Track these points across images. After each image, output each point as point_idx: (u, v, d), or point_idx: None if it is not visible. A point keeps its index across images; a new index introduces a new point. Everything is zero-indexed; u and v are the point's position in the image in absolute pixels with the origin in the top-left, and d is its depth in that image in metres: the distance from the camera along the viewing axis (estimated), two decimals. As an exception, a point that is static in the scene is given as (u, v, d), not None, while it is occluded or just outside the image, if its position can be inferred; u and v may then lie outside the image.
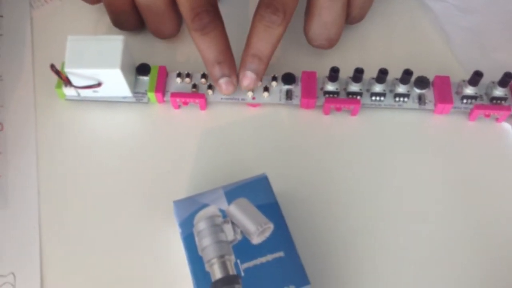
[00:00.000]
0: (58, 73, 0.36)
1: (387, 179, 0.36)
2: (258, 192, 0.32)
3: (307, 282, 0.29)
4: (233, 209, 0.31)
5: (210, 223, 0.31)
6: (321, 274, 0.32)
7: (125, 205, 0.35)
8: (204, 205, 0.31)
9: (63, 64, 0.37)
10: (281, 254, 0.30)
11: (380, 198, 0.35)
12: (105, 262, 0.33)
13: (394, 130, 0.37)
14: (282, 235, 0.30)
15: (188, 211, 0.31)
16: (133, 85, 0.38)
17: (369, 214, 0.35)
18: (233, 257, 0.30)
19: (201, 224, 0.31)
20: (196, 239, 0.30)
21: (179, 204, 0.32)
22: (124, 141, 0.38)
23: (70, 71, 0.35)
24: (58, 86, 0.38)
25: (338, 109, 0.38)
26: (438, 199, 0.35)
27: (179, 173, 0.36)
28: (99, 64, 0.35)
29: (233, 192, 0.32)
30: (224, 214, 0.31)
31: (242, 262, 0.29)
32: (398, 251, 0.33)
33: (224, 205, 0.31)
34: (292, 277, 0.29)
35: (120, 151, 0.37)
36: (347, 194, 0.35)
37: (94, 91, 0.37)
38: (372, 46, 0.41)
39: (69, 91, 0.38)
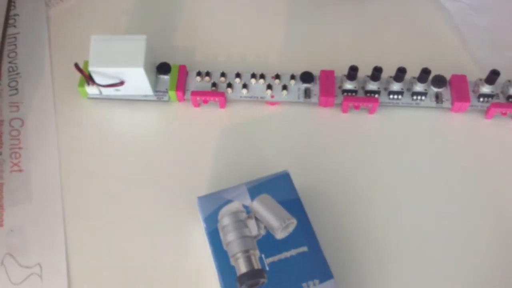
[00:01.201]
0: (81, 71, 0.36)
1: (405, 176, 0.36)
2: (280, 188, 0.32)
3: (330, 276, 0.29)
4: (257, 205, 0.32)
5: (234, 218, 0.31)
6: (344, 269, 0.33)
7: (147, 201, 0.36)
8: (228, 201, 0.32)
9: (85, 63, 0.37)
10: (304, 249, 0.30)
11: (399, 194, 0.36)
12: (129, 256, 0.34)
13: (411, 128, 0.38)
14: (305, 230, 0.31)
15: (212, 207, 0.32)
16: (154, 84, 0.39)
17: (388, 209, 0.35)
18: (257, 252, 0.30)
19: (225, 220, 0.31)
20: (221, 234, 0.31)
21: (203, 200, 0.32)
22: (145, 138, 0.38)
23: (94, 70, 0.36)
24: (81, 85, 0.38)
25: (356, 107, 0.38)
26: (455, 196, 0.36)
27: (200, 169, 0.37)
28: (123, 63, 0.36)
29: (256, 188, 0.32)
30: (248, 210, 0.32)
31: (266, 257, 0.30)
32: (418, 245, 0.34)
33: (247, 201, 0.32)
34: (316, 271, 0.29)
35: (141, 148, 0.38)
36: (366, 190, 0.36)
37: (116, 90, 0.38)
38: (390, 45, 0.42)
39: (91, 90, 0.38)
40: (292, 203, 0.32)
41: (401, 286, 0.33)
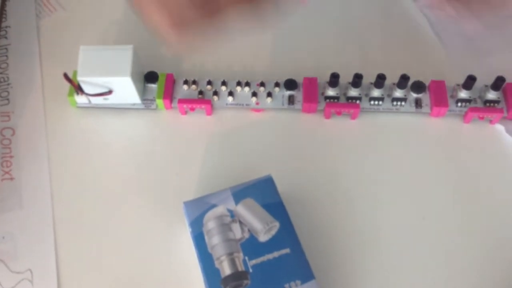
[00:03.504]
0: (70, 81, 0.37)
1: (386, 179, 0.37)
2: (264, 192, 0.33)
3: (312, 277, 0.30)
4: (241, 209, 0.33)
5: (219, 222, 0.32)
6: (326, 270, 0.34)
7: (136, 206, 0.37)
8: (213, 206, 0.33)
9: (75, 73, 0.38)
10: (287, 250, 0.31)
11: (380, 197, 0.37)
12: (117, 259, 0.35)
13: (392, 133, 0.39)
14: (287, 233, 0.32)
15: (197, 211, 0.33)
16: (142, 92, 0.40)
17: (370, 212, 0.36)
18: (241, 254, 0.31)
19: (210, 224, 0.32)
20: (206, 237, 0.32)
21: (189, 204, 0.33)
22: (134, 146, 0.39)
23: (83, 80, 0.37)
24: (70, 94, 0.39)
25: (339, 113, 0.39)
26: (436, 198, 0.37)
27: (188, 175, 0.38)
28: (110, 73, 0.37)
29: (240, 193, 0.33)
30: (232, 214, 0.32)
31: (250, 259, 0.31)
32: (400, 248, 0.35)
33: (231, 205, 0.33)
34: (298, 273, 0.30)
35: (129, 155, 0.39)
36: (348, 193, 0.37)
37: (105, 99, 0.39)
38: (370, 53, 0.43)
39: (80, 99, 0.39)
40: (275, 206, 0.33)
41: (386, 286, 0.34)
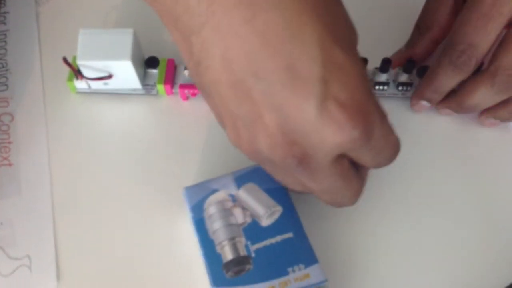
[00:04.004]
0: (69, 65, 0.37)
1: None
2: (266, 177, 0.32)
3: (315, 260, 0.30)
4: (243, 194, 0.32)
5: (220, 207, 0.32)
6: (329, 254, 0.33)
7: (136, 193, 0.36)
8: (214, 190, 0.32)
9: (74, 58, 0.38)
10: (290, 235, 0.30)
11: (382, 180, 0.36)
12: (118, 246, 0.34)
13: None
14: (290, 217, 0.31)
15: (198, 196, 0.32)
16: (143, 78, 0.39)
17: (373, 198, 0.35)
18: (243, 239, 0.31)
19: (211, 208, 0.32)
20: (207, 222, 0.31)
21: (190, 190, 0.33)
22: (134, 131, 0.39)
23: (82, 63, 0.36)
24: (70, 79, 0.39)
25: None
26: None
27: (189, 161, 0.37)
28: (110, 56, 0.36)
29: (242, 178, 0.33)
30: (234, 199, 0.32)
31: (252, 244, 0.30)
32: (403, 231, 0.35)
33: (233, 190, 0.32)
34: (301, 257, 0.30)
35: (130, 141, 0.38)
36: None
37: (105, 84, 0.38)
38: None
39: (80, 84, 0.39)
40: (277, 191, 0.32)
41: (387, 270, 0.33)
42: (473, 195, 0.36)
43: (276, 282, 0.29)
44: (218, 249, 0.30)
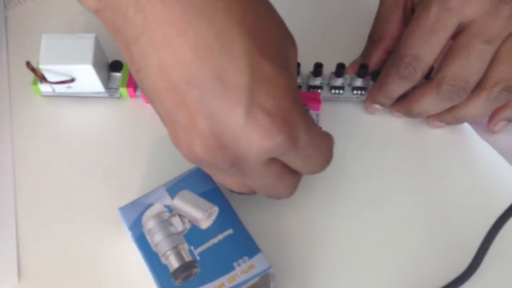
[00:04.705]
0: (33, 70, 0.37)
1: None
2: (198, 181, 0.33)
3: (258, 250, 0.31)
4: (178, 202, 0.33)
5: (158, 219, 0.32)
6: (272, 243, 0.34)
7: (98, 194, 0.37)
8: (149, 205, 0.33)
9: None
10: (230, 231, 0.31)
11: (332, 176, 0.37)
12: (77, 247, 0.35)
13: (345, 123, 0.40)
14: (228, 215, 0.32)
15: (135, 214, 0.32)
16: (106, 81, 0.40)
17: (319, 193, 0.37)
18: (186, 245, 0.31)
19: (150, 223, 0.32)
20: (148, 237, 0.32)
21: (125, 209, 0.33)
22: (97, 134, 0.39)
23: (45, 68, 0.37)
24: (35, 83, 0.39)
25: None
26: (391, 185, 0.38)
27: (152, 163, 0.38)
28: (72, 61, 0.37)
29: (174, 187, 0.33)
30: (170, 209, 0.32)
31: (195, 248, 0.31)
32: (347, 218, 0.36)
33: (168, 201, 0.33)
34: (244, 250, 0.31)
35: (93, 144, 0.39)
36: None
37: (68, 87, 0.39)
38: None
39: (44, 88, 0.39)
40: (211, 192, 0.33)
41: (326, 257, 0.35)
42: (421, 192, 0.37)
43: (224, 279, 0.30)
44: (163, 260, 0.31)
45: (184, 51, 0.25)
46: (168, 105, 0.27)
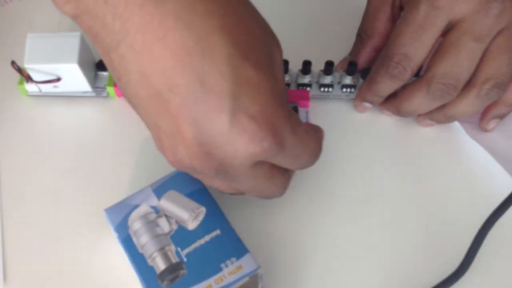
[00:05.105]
0: (19, 69, 0.37)
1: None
2: (185, 182, 0.33)
3: (245, 251, 0.30)
4: (164, 203, 0.32)
5: (144, 221, 0.31)
6: (259, 243, 0.34)
7: (85, 194, 0.36)
8: (136, 206, 0.32)
9: (25, 62, 0.38)
10: (217, 232, 0.31)
11: (322, 174, 0.37)
12: (64, 249, 0.35)
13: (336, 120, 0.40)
14: (215, 215, 0.31)
15: (121, 215, 0.32)
16: (93, 80, 0.39)
17: (310, 191, 0.36)
18: (173, 247, 0.30)
19: (136, 224, 0.31)
20: (134, 238, 0.31)
21: (111, 210, 0.32)
22: (85, 133, 0.39)
23: (30, 67, 0.36)
24: (21, 83, 0.39)
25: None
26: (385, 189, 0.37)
27: (140, 162, 0.37)
28: (57, 60, 0.36)
29: (161, 188, 0.33)
30: (157, 210, 0.32)
31: (182, 249, 0.30)
32: (336, 217, 0.36)
33: (154, 202, 0.32)
34: (231, 250, 0.30)
35: (80, 143, 0.38)
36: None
37: (55, 86, 0.38)
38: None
39: (30, 87, 0.39)
40: (198, 193, 0.32)
41: (315, 256, 0.34)
42: (411, 191, 0.37)
43: (211, 280, 0.29)
44: (149, 261, 0.30)
45: (165, 57, 0.25)
46: (152, 113, 0.26)
